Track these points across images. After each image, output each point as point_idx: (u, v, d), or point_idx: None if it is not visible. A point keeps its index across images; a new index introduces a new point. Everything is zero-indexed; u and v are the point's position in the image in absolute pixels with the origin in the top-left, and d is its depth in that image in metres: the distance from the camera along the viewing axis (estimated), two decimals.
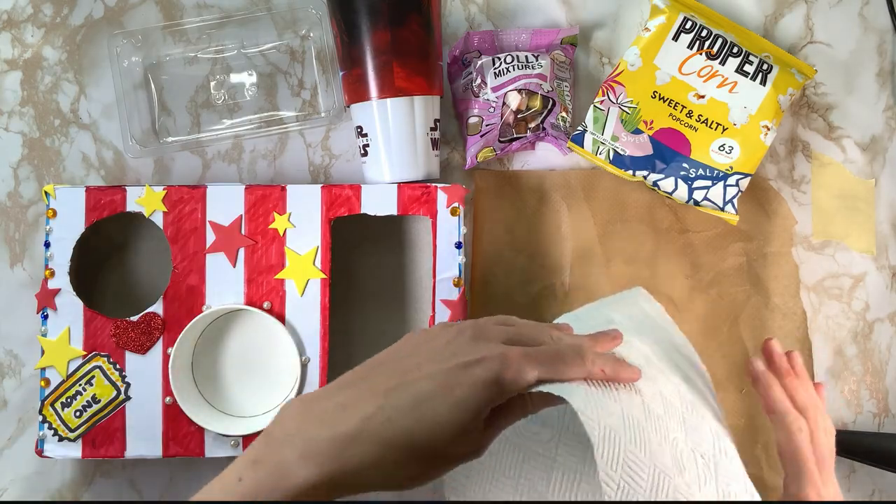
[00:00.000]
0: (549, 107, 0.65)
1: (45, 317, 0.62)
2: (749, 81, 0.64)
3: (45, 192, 0.63)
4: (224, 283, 0.62)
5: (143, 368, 0.62)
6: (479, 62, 0.65)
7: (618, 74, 0.65)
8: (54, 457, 0.62)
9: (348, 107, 0.65)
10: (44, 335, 0.62)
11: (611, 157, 0.65)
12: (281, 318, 0.62)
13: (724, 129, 0.64)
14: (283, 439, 0.42)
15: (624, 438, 0.42)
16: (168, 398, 0.62)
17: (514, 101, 0.64)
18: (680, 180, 0.64)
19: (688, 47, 0.65)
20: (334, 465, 0.41)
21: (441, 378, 0.42)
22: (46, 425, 0.62)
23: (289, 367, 0.63)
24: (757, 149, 0.64)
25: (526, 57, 0.65)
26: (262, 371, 0.64)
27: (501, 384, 0.41)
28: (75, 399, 0.62)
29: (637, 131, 0.65)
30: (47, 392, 0.62)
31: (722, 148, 0.64)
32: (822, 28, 0.69)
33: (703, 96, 0.64)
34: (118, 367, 0.62)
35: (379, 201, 0.63)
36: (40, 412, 0.62)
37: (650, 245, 0.68)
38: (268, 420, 0.62)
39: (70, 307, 0.62)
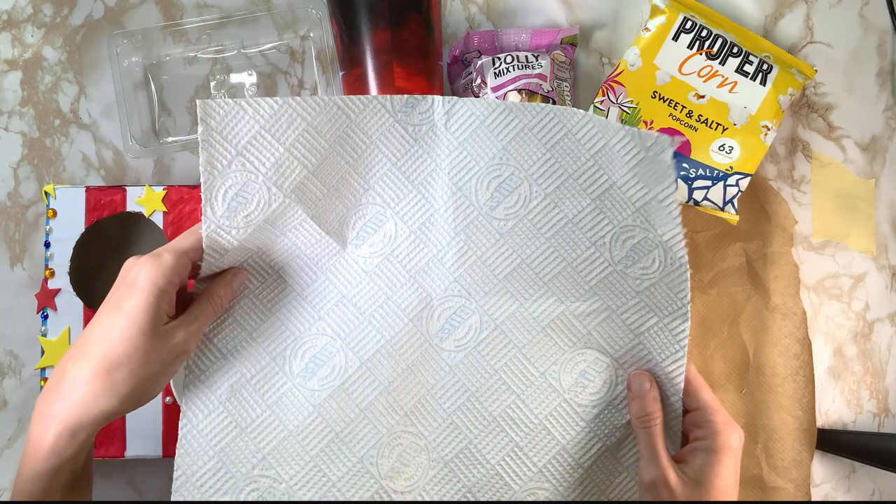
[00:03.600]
0: None
1: (45, 317, 0.62)
2: (749, 81, 0.64)
3: (45, 192, 0.63)
4: None
5: None
6: (479, 62, 0.65)
7: (618, 74, 0.65)
8: None
9: None
10: (44, 335, 0.62)
11: None
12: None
13: (724, 129, 0.64)
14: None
15: None
16: (168, 398, 0.62)
17: (514, 101, 0.64)
18: (680, 180, 0.64)
19: (688, 47, 0.65)
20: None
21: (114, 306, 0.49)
22: None
23: None
24: (757, 149, 0.64)
25: (526, 57, 0.65)
26: None
27: (156, 280, 0.48)
28: None
29: None
30: None
31: (722, 148, 0.64)
32: (822, 28, 0.69)
33: (703, 96, 0.64)
34: None
35: None
36: None
37: None
38: None
39: (70, 307, 0.62)
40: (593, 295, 0.55)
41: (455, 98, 0.54)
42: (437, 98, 0.54)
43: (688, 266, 0.53)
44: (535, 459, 0.54)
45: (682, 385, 0.53)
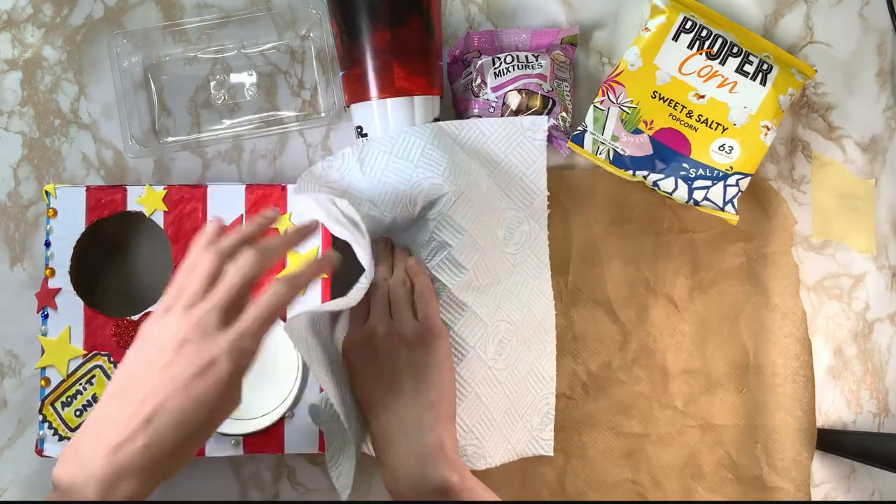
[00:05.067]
0: (549, 107, 0.65)
1: (46, 316, 0.62)
2: (749, 81, 0.64)
3: (46, 192, 0.63)
4: None
5: None
6: (479, 62, 0.65)
7: (618, 74, 0.65)
8: (54, 457, 0.62)
9: (348, 107, 0.65)
10: (44, 335, 0.62)
11: (611, 157, 0.65)
12: (282, 317, 0.62)
13: (724, 129, 0.64)
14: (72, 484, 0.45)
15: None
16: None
17: (514, 101, 0.64)
18: (680, 180, 0.64)
19: (688, 47, 0.65)
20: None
21: (182, 394, 0.45)
22: (46, 425, 0.62)
23: (289, 367, 0.63)
24: (757, 149, 0.64)
25: (526, 57, 0.65)
26: (263, 371, 0.64)
27: (241, 370, 0.46)
28: (76, 398, 0.62)
29: (637, 131, 0.65)
30: (47, 391, 0.62)
31: (722, 148, 0.64)
32: (822, 28, 0.69)
33: (703, 96, 0.64)
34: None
35: None
36: (40, 412, 0.62)
37: (650, 245, 0.68)
38: (268, 420, 0.62)
39: (70, 307, 0.62)
40: (493, 275, 0.64)
41: (362, 144, 0.63)
42: (347, 151, 0.63)
43: (547, 227, 0.66)
44: (466, 421, 0.62)
45: (553, 324, 0.66)
